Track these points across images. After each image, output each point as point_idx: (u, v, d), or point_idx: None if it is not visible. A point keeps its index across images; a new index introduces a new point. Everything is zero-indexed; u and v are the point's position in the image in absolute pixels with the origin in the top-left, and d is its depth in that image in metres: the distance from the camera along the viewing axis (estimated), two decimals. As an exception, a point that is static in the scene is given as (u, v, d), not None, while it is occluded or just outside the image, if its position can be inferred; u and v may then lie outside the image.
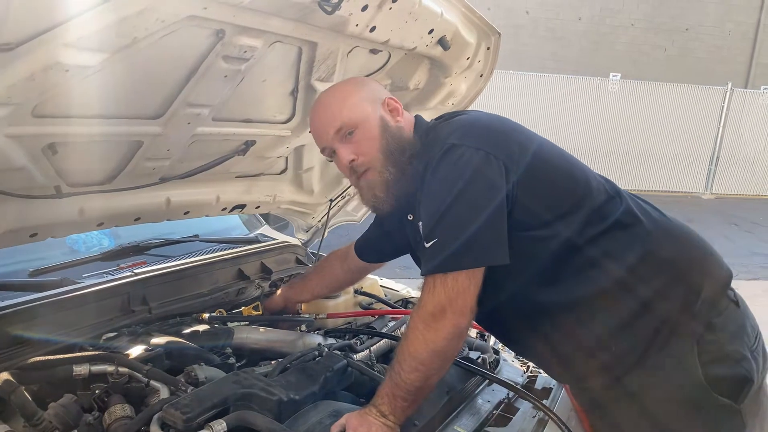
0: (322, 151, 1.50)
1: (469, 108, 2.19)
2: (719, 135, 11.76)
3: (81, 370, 1.36)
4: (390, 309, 2.14)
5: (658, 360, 1.27)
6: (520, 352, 1.71)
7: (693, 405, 1.27)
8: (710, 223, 8.95)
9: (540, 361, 1.55)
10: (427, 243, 1.25)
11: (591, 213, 1.32)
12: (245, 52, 1.41)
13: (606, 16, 13.01)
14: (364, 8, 1.41)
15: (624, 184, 6.86)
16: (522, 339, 1.48)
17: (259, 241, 2.45)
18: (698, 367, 1.25)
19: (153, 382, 1.37)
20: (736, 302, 1.35)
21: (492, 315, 1.37)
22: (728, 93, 11.50)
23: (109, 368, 1.38)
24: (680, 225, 1.42)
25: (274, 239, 2.53)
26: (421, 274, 1.28)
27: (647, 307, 1.28)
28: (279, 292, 2.02)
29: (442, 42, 1.77)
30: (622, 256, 1.30)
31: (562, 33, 12.95)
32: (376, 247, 1.84)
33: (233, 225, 2.68)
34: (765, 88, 12.18)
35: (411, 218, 1.47)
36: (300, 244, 2.56)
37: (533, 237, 1.29)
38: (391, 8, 1.46)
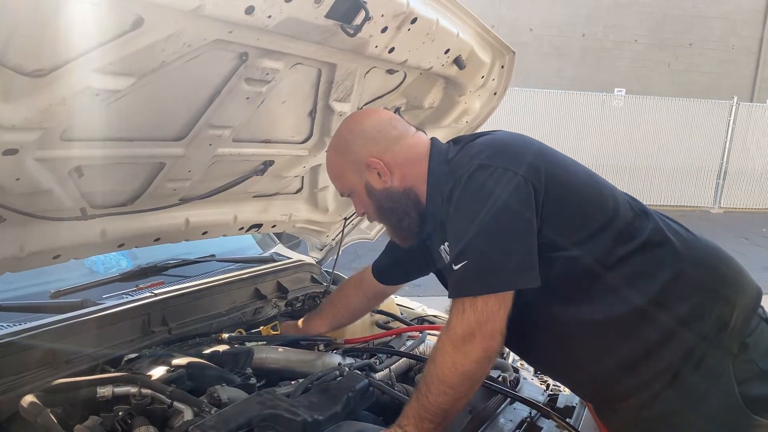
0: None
1: (483, 125, 2.21)
2: (726, 149, 11.76)
3: (105, 391, 1.36)
4: (407, 327, 2.13)
5: (692, 381, 1.25)
6: (542, 370, 1.69)
7: (730, 426, 1.25)
8: (720, 237, 8.90)
9: (565, 380, 1.54)
10: (455, 265, 1.24)
11: (619, 232, 1.31)
12: (267, 74, 1.43)
13: (610, 33, 13.12)
14: (384, 30, 1.43)
15: (633, 199, 6.82)
16: (547, 357, 1.47)
17: (275, 260, 2.46)
18: (735, 387, 1.23)
19: (176, 404, 1.36)
20: (766, 320, 1.33)
21: (516, 332, 1.37)
22: (734, 107, 11.52)
23: (133, 390, 1.38)
24: (709, 243, 1.40)
25: (289, 258, 2.54)
26: (450, 296, 1.27)
27: (680, 327, 1.26)
28: (298, 324, 2.00)
29: (457, 61, 1.79)
30: (653, 276, 1.29)
31: (566, 50, 13.06)
32: (396, 268, 1.83)
33: (248, 244, 2.69)
34: (771, 102, 12.20)
35: (429, 244, 1.50)
36: (314, 262, 2.56)
37: (562, 257, 1.28)
38: (409, 29, 1.48)
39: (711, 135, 11.73)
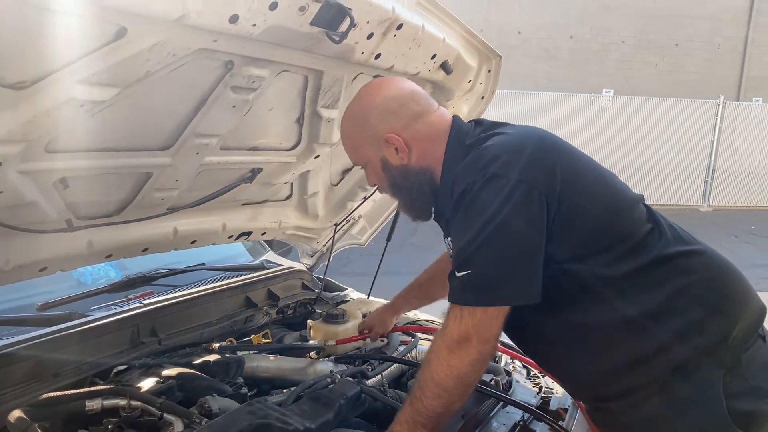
0: None
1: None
2: (714, 147, 11.86)
3: (93, 405, 1.35)
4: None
5: (682, 390, 1.25)
6: (539, 364, 1.70)
7: None
8: (710, 235, 8.95)
9: (557, 379, 1.54)
10: (458, 272, 1.23)
11: (630, 248, 1.28)
12: (253, 82, 1.43)
13: (597, 34, 13.21)
14: (370, 36, 1.43)
15: (623, 199, 6.86)
16: (541, 356, 1.48)
17: (265, 268, 2.45)
18: (723, 401, 1.22)
19: (167, 416, 1.35)
20: (764, 337, 1.33)
21: (514, 329, 1.37)
22: (721, 106, 11.63)
23: (122, 402, 1.37)
24: (719, 258, 1.37)
25: (280, 265, 2.53)
26: (449, 301, 1.27)
27: (678, 340, 1.26)
28: (388, 306, 2.02)
29: (444, 66, 1.79)
30: (659, 290, 1.27)
31: (555, 52, 13.13)
32: None
33: (238, 252, 2.68)
34: (757, 100, 12.31)
35: (440, 224, 1.49)
36: (305, 269, 2.56)
37: (566, 270, 1.27)
38: (395, 35, 1.48)
39: (698, 134, 11.82)
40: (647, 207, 1.38)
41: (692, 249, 1.34)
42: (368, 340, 2.00)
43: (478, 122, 1.45)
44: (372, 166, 1.47)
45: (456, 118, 1.45)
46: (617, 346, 1.29)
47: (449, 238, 1.39)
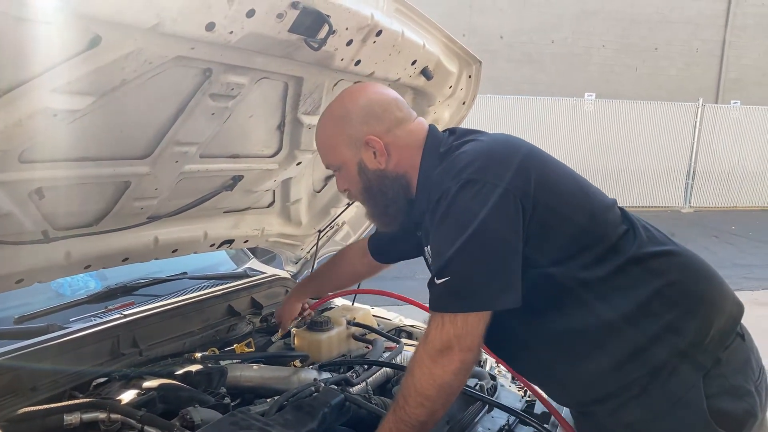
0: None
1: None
2: (694, 149, 12.04)
3: (72, 419, 1.33)
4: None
5: (663, 392, 1.26)
6: (519, 372, 1.70)
7: None
8: (691, 236, 9.10)
9: (542, 385, 1.54)
10: (438, 279, 1.23)
11: (606, 250, 1.29)
12: (232, 89, 1.42)
13: (578, 38, 13.37)
14: (349, 43, 1.43)
15: (606, 201, 6.95)
16: (523, 362, 1.48)
17: (248, 276, 2.43)
18: (703, 401, 1.23)
19: (147, 428, 1.33)
20: (742, 336, 1.34)
21: (494, 336, 1.37)
22: (700, 108, 11.82)
23: (101, 415, 1.35)
24: (694, 258, 1.38)
25: (263, 273, 2.51)
26: (430, 309, 1.26)
27: (655, 342, 1.26)
28: (290, 295, 2.05)
29: (425, 72, 1.80)
30: (635, 292, 1.28)
31: (537, 56, 13.26)
32: (389, 250, 1.85)
33: (221, 260, 2.66)
34: (735, 103, 12.54)
35: (419, 235, 1.48)
36: (289, 276, 2.54)
37: (544, 273, 1.27)
38: (375, 42, 1.49)
39: (679, 136, 12.00)
40: (621, 209, 1.39)
41: (667, 249, 1.35)
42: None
43: (451, 131, 1.46)
44: (347, 169, 1.44)
45: (432, 127, 1.46)
46: (598, 350, 1.29)
47: (428, 247, 1.38)
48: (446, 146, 1.38)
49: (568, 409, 1.64)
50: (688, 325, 1.28)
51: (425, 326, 2.27)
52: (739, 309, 1.35)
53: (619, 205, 1.41)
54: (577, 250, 1.28)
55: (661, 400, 1.26)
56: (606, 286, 1.28)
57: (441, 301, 1.23)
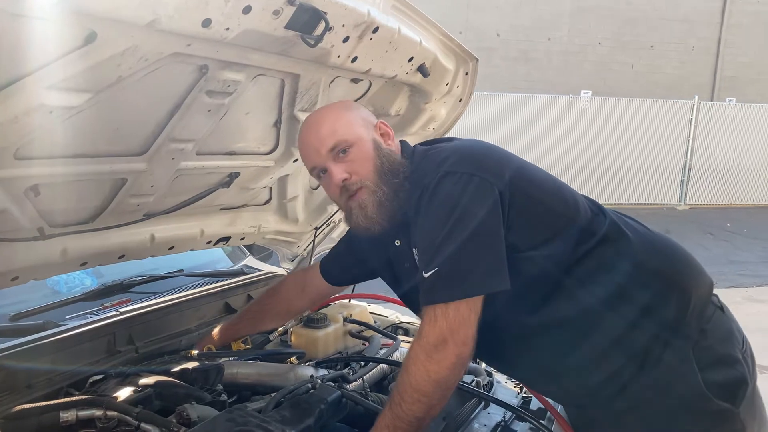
0: (311, 170, 1.47)
1: (449, 131, 2.22)
2: (689, 147, 12.07)
3: (68, 416, 1.33)
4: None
5: (658, 370, 1.28)
6: (510, 373, 1.70)
7: (694, 412, 1.28)
8: (687, 233, 9.13)
9: (532, 382, 1.55)
10: (425, 272, 1.24)
11: (581, 231, 1.34)
12: (228, 86, 1.41)
13: (574, 36, 13.37)
14: (346, 39, 1.43)
15: (601, 199, 6.99)
16: (513, 360, 1.48)
17: (245, 273, 2.43)
18: (697, 374, 1.26)
19: (144, 425, 1.33)
20: (721, 308, 1.39)
21: (482, 337, 1.38)
22: (695, 106, 11.84)
23: (98, 413, 1.35)
24: (662, 236, 1.45)
25: (260, 270, 2.51)
26: (422, 304, 1.27)
27: (641, 320, 1.29)
28: (216, 332, 1.88)
29: (421, 69, 1.80)
30: (613, 270, 1.32)
31: (533, 54, 13.27)
32: (348, 269, 1.79)
33: (217, 257, 2.65)
34: (730, 100, 12.57)
35: (398, 243, 1.46)
36: (286, 273, 2.54)
37: (527, 258, 1.30)
38: (371, 39, 1.48)
39: (674, 134, 12.02)
40: (591, 200, 1.45)
41: (638, 229, 1.40)
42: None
43: (422, 144, 1.52)
44: (361, 145, 1.40)
45: (403, 141, 1.52)
46: (585, 337, 1.31)
47: (415, 249, 1.37)
48: (419, 151, 1.44)
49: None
50: (670, 296, 1.32)
51: (419, 323, 2.29)
52: (710, 282, 1.40)
53: (613, 203, 1.45)
54: (554, 233, 1.32)
55: (656, 377, 1.28)
56: (584, 268, 1.32)
57: (431, 293, 1.24)
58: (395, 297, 2.27)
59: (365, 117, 1.47)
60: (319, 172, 1.45)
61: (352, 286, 2.31)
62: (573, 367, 1.35)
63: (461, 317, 1.22)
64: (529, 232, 1.31)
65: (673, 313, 1.30)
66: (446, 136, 2.05)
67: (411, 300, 1.52)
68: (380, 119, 1.49)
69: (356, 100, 1.91)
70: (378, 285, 2.19)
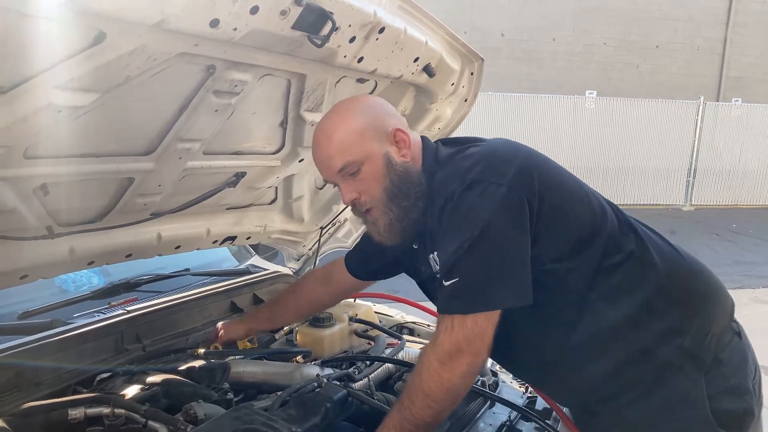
0: (325, 180, 1.46)
1: (455, 132, 2.22)
2: (695, 147, 12.03)
3: (76, 413, 1.34)
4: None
5: (666, 391, 1.27)
6: (520, 376, 1.70)
7: None
8: (692, 234, 9.10)
9: (544, 387, 1.54)
10: (446, 281, 1.22)
11: (607, 244, 1.29)
12: (235, 86, 1.42)
13: (579, 36, 13.34)
14: (352, 40, 1.43)
15: (607, 199, 6.96)
16: (525, 364, 1.48)
17: (250, 272, 2.43)
18: (706, 401, 1.25)
19: (151, 423, 1.34)
20: (739, 333, 1.36)
21: (495, 340, 1.37)
22: (701, 106, 11.80)
23: (105, 410, 1.36)
24: (688, 256, 1.40)
25: (265, 269, 2.52)
26: (439, 312, 1.25)
27: (661, 340, 1.28)
28: (240, 320, 1.92)
29: (427, 69, 1.80)
30: (635, 290, 1.29)
31: (538, 54, 13.24)
32: (371, 262, 1.75)
33: (223, 257, 2.66)
34: (736, 101, 12.51)
35: (416, 247, 1.45)
36: (291, 273, 2.55)
37: (549, 270, 1.27)
38: (378, 39, 1.49)
39: (680, 134, 11.99)
40: (615, 208, 1.40)
41: (663, 248, 1.36)
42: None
43: (443, 141, 1.45)
44: (371, 164, 1.33)
45: (424, 137, 1.46)
46: (603, 352, 1.30)
47: (434, 254, 1.35)
48: (444, 154, 1.37)
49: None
50: (690, 323, 1.29)
51: (425, 323, 2.29)
52: (732, 304, 1.37)
53: (619, 203, 1.42)
54: (579, 247, 1.29)
55: (664, 399, 1.27)
56: (609, 284, 1.29)
57: (450, 303, 1.23)
58: (401, 296, 2.31)
59: (379, 125, 1.35)
60: (334, 184, 1.42)
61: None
62: (584, 377, 1.34)
63: (479, 329, 1.21)
64: (554, 244, 1.27)
65: (691, 340, 1.28)
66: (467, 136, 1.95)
67: (430, 295, 1.50)
68: (394, 125, 1.37)
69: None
70: (383, 284, 2.19)
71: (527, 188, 1.24)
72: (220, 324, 1.90)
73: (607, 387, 1.31)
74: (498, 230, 1.20)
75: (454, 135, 2.05)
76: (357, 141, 1.33)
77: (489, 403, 1.72)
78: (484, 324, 1.21)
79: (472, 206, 1.21)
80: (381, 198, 1.36)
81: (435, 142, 1.46)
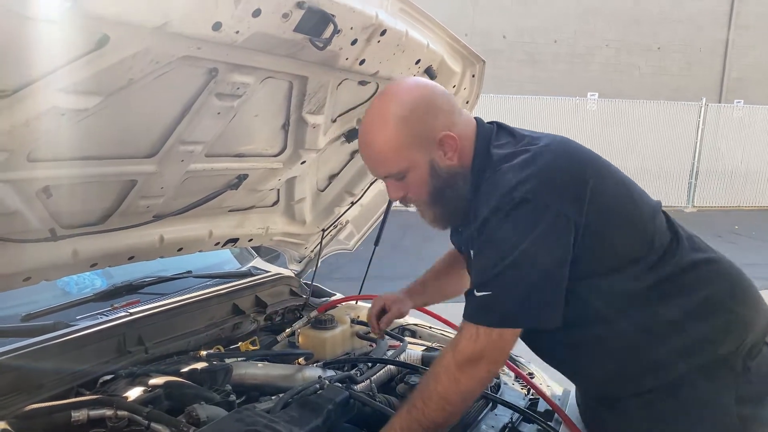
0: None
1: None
2: (697, 149, 12.01)
3: (79, 415, 1.34)
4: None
5: (695, 394, 1.28)
6: (551, 364, 1.70)
7: None
8: (694, 235, 9.05)
9: (572, 377, 1.53)
10: (478, 292, 1.22)
11: (652, 261, 1.28)
12: (238, 88, 1.42)
13: (580, 38, 13.35)
14: (354, 42, 1.44)
15: (608, 201, 6.92)
16: (557, 359, 1.48)
17: (252, 275, 2.44)
18: (734, 406, 1.26)
19: (154, 425, 1.34)
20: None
21: (531, 336, 1.37)
22: (703, 108, 11.79)
23: (108, 412, 1.36)
24: (733, 265, 1.40)
25: (267, 272, 2.52)
26: (465, 319, 1.25)
27: (699, 345, 1.29)
28: (409, 296, 1.87)
29: (429, 71, 1.80)
30: (678, 301, 1.29)
31: (539, 56, 13.25)
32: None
33: (225, 259, 2.67)
34: (738, 102, 12.50)
35: (460, 230, 1.45)
36: (293, 275, 2.55)
37: (590, 285, 1.27)
38: (379, 41, 1.49)
39: (682, 136, 11.97)
40: (665, 214, 1.38)
41: (710, 257, 1.36)
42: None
43: (500, 126, 1.39)
44: (415, 173, 1.31)
45: (479, 120, 1.39)
46: (639, 350, 1.30)
47: (471, 252, 1.34)
48: (497, 148, 1.32)
49: (573, 405, 1.65)
50: (728, 332, 1.30)
51: (427, 325, 2.29)
52: (767, 316, 1.37)
53: (673, 220, 1.39)
54: (625, 264, 1.28)
55: (691, 400, 1.28)
56: (650, 295, 1.29)
57: (478, 314, 1.23)
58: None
59: (425, 133, 1.28)
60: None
61: (359, 286, 2.34)
62: (617, 372, 1.35)
63: (503, 342, 1.23)
64: (597, 263, 1.26)
65: (727, 349, 1.29)
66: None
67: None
68: (443, 129, 1.29)
69: (364, 103, 1.91)
70: (386, 287, 2.19)
71: (575, 210, 1.21)
72: (381, 301, 1.88)
73: (639, 384, 1.32)
74: (538, 253, 1.19)
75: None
76: (400, 153, 1.29)
77: (491, 405, 1.72)
78: (509, 338, 1.23)
79: (517, 224, 1.19)
80: (426, 199, 1.37)
81: (491, 124, 1.40)
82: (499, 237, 1.22)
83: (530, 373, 1.98)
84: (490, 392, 1.73)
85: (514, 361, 2.05)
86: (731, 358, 1.29)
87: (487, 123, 1.41)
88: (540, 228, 1.18)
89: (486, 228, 1.24)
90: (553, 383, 1.99)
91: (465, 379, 1.23)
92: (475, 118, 1.39)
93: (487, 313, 1.22)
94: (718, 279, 1.34)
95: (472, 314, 1.24)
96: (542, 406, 1.78)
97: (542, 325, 1.23)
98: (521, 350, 2.17)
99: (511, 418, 1.66)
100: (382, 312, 1.88)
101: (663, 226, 1.34)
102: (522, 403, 1.78)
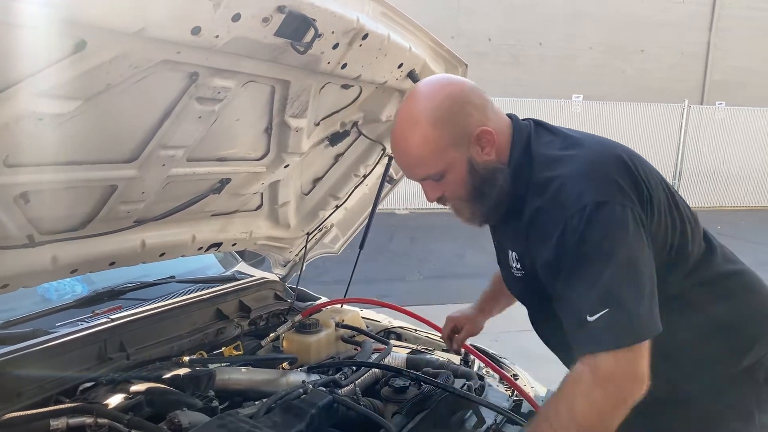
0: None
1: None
2: (680, 150, 12.18)
3: (58, 424, 1.32)
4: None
5: (715, 405, 1.31)
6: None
7: None
8: (678, 236, 9.15)
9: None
10: (590, 316, 1.13)
11: (690, 267, 1.29)
12: (219, 92, 1.42)
13: (566, 41, 13.48)
14: (335, 46, 1.44)
15: (593, 202, 6.98)
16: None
17: (236, 279, 2.43)
18: (756, 414, 1.30)
19: (134, 432, 1.33)
20: None
21: (553, 331, 1.34)
22: (686, 110, 11.96)
23: (88, 420, 1.35)
24: (759, 277, 1.41)
25: (252, 276, 2.51)
26: (587, 352, 1.16)
27: (717, 359, 1.31)
28: (476, 315, 1.88)
29: (411, 75, 1.81)
30: (707, 308, 1.31)
31: (524, 58, 13.35)
32: None
33: (209, 263, 2.65)
34: (720, 104, 12.69)
35: (511, 252, 1.42)
36: (278, 279, 2.54)
37: None
38: (361, 45, 1.49)
39: (665, 137, 12.13)
40: (704, 230, 1.40)
41: (741, 269, 1.39)
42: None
43: (537, 123, 1.37)
44: (454, 173, 1.28)
45: (513, 115, 1.37)
46: (667, 356, 1.25)
47: (513, 252, 1.34)
48: (544, 147, 1.30)
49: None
50: (749, 347, 1.33)
51: (412, 328, 2.29)
52: None
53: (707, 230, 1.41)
54: (662, 269, 1.24)
55: (714, 410, 1.31)
56: (682, 302, 1.30)
57: (602, 337, 1.13)
58: (387, 302, 2.30)
59: (461, 130, 1.26)
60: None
61: (345, 290, 2.34)
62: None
63: (635, 356, 1.13)
64: (658, 257, 1.24)
65: (751, 360, 1.32)
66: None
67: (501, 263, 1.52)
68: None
69: (347, 106, 1.91)
70: (371, 290, 2.19)
71: (640, 204, 1.19)
72: (456, 319, 1.90)
73: (675, 385, 1.33)
74: (633, 253, 1.15)
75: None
76: (438, 154, 1.26)
77: (475, 407, 1.73)
78: (640, 351, 1.14)
79: (600, 232, 1.14)
80: (464, 197, 1.34)
81: (526, 121, 1.38)
82: (588, 251, 1.15)
83: (514, 375, 2.00)
84: (473, 395, 1.74)
85: (498, 362, 2.06)
86: (754, 370, 1.32)
87: (522, 120, 1.39)
88: (623, 230, 1.15)
89: (565, 247, 1.17)
90: (537, 384, 2.01)
91: (608, 404, 1.13)
92: (508, 114, 1.37)
93: (611, 332, 1.12)
94: (746, 292, 1.37)
95: (594, 342, 1.13)
96: (526, 407, 1.79)
97: (656, 330, 1.15)
98: (506, 351, 2.19)
99: (495, 420, 1.67)
100: (453, 332, 1.93)
101: (699, 236, 1.35)
102: (506, 405, 1.79)
